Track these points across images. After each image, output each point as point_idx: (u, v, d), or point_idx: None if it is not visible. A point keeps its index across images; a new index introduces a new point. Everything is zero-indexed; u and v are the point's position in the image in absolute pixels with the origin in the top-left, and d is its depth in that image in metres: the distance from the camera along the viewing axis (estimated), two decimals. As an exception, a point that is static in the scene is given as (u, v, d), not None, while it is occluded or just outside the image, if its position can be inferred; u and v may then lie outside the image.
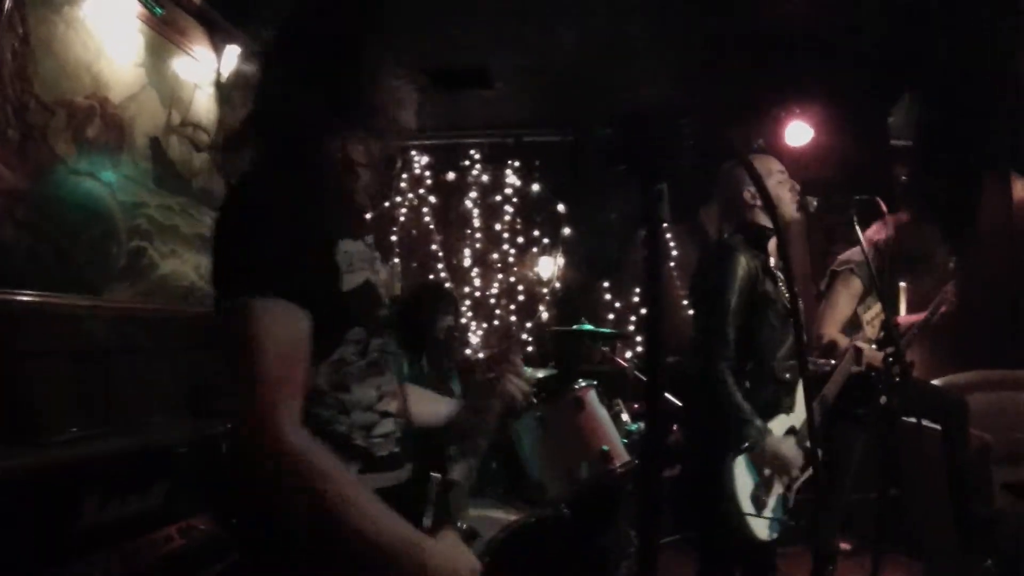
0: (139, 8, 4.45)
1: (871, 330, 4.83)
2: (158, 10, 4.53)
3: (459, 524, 1.98)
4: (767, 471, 3.41)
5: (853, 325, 4.86)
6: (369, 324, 1.80)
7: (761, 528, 3.42)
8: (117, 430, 3.74)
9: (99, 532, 3.20)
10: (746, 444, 3.35)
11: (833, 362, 4.17)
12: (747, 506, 3.37)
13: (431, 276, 7.92)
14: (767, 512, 3.45)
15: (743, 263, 3.49)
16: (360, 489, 1.65)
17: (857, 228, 3.89)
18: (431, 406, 2.36)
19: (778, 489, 3.45)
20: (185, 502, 3.74)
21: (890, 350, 4.11)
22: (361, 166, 1.92)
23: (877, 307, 4.82)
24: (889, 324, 4.35)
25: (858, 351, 4.04)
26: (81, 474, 3.20)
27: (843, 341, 4.54)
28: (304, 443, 1.59)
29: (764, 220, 3.69)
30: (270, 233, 1.64)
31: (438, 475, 1.95)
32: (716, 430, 3.44)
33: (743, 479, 3.38)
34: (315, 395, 1.70)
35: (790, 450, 3.43)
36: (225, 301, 1.65)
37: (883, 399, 4.13)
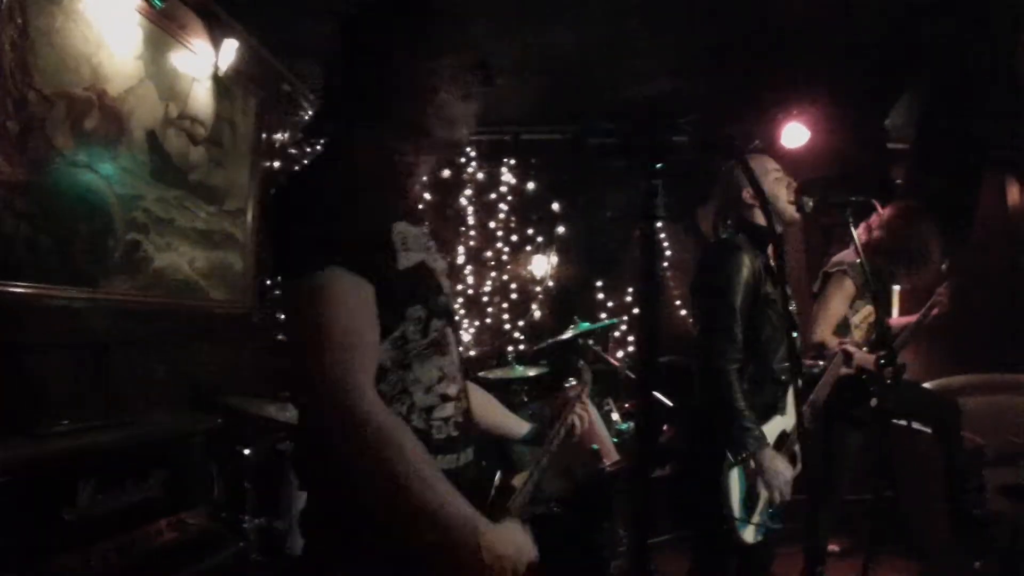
0: (139, 0, 4.44)
1: (859, 333, 4.84)
2: (158, 2, 4.53)
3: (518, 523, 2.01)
4: (754, 479, 3.42)
5: (846, 327, 4.88)
6: (428, 303, 1.87)
7: (748, 532, 3.44)
8: (112, 422, 3.74)
9: (92, 525, 3.21)
10: (743, 454, 3.36)
11: (822, 363, 4.18)
12: (737, 510, 3.39)
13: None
14: (756, 516, 3.47)
15: (747, 262, 3.50)
16: (427, 460, 1.71)
17: (852, 229, 3.91)
18: (484, 407, 2.38)
19: (766, 495, 3.46)
20: (179, 496, 3.75)
21: (882, 353, 4.13)
22: (414, 166, 2.03)
23: (866, 310, 4.82)
24: (882, 326, 4.36)
25: (847, 354, 4.04)
26: (76, 466, 3.21)
27: (832, 343, 4.55)
28: (376, 407, 1.67)
29: (763, 220, 3.70)
30: (332, 212, 1.74)
31: (500, 474, 2.01)
32: (713, 431, 3.45)
33: (735, 483, 3.40)
34: (378, 373, 1.76)
35: (781, 465, 3.43)
36: (292, 276, 1.74)
37: (874, 401, 4.15)
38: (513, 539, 1.81)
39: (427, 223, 2.01)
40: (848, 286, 4.86)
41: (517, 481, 2.16)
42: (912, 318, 5.36)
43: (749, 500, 3.44)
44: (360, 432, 1.63)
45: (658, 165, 1.45)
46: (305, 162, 1.93)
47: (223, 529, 3.97)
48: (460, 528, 1.69)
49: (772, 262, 3.68)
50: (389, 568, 1.75)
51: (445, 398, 1.90)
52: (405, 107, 1.93)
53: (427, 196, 7.80)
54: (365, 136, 1.93)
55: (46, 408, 3.70)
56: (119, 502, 3.37)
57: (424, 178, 2.11)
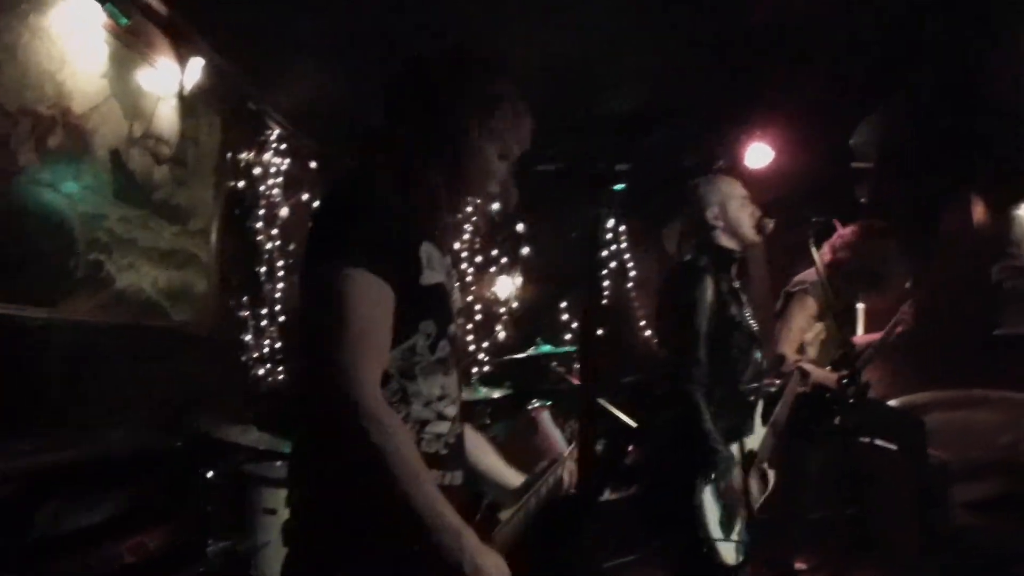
0: (105, 18, 4.41)
1: (813, 350, 4.84)
2: (124, 20, 4.50)
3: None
4: (723, 499, 3.43)
5: (800, 346, 4.90)
6: (440, 322, 1.96)
7: (729, 552, 3.46)
8: (72, 443, 3.70)
9: (51, 545, 3.18)
10: (714, 475, 3.38)
11: (778, 382, 4.20)
12: (716, 531, 3.40)
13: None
14: (735, 535, 3.48)
15: (711, 285, 3.52)
16: (422, 464, 1.77)
17: (813, 249, 3.94)
18: (496, 464, 2.44)
19: (742, 513, 3.48)
20: (140, 517, 3.72)
21: (845, 372, 4.16)
22: (450, 201, 2.13)
23: (818, 327, 4.84)
24: (846, 345, 4.39)
25: (803, 372, 4.06)
26: (35, 487, 3.17)
27: (791, 358, 4.57)
28: (378, 401, 1.74)
29: (727, 242, 3.73)
30: (369, 219, 1.87)
31: (487, 501, 2.04)
32: (683, 453, 3.46)
33: (711, 506, 3.41)
34: (383, 378, 1.83)
35: (737, 484, 3.45)
36: (321, 266, 1.85)
37: (838, 419, 4.17)
38: (495, 560, 1.85)
39: (449, 253, 2.13)
40: (810, 305, 4.90)
41: (503, 515, 2.18)
42: (876, 336, 5.40)
43: (726, 522, 3.46)
44: (361, 423, 1.69)
45: (602, 192, 1.47)
46: (355, 169, 2.03)
47: (184, 551, 3.93)
48: (447, 534, 1.74)
49: (735, 284, 3.71)
50: (386, 569, 1.80)
51: (441, 416, 1.96)
52: (449, 152, 2.05)
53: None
54: (410, 164, 2.03)
55: (5, 428, 3.65)
56: (78, 523, 3.34)
57: (459, 216, 2.25)
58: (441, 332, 1.97)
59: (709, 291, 3.52)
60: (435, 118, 2.05)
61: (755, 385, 3.67)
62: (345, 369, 1.71)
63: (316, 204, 1.97)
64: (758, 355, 3.73)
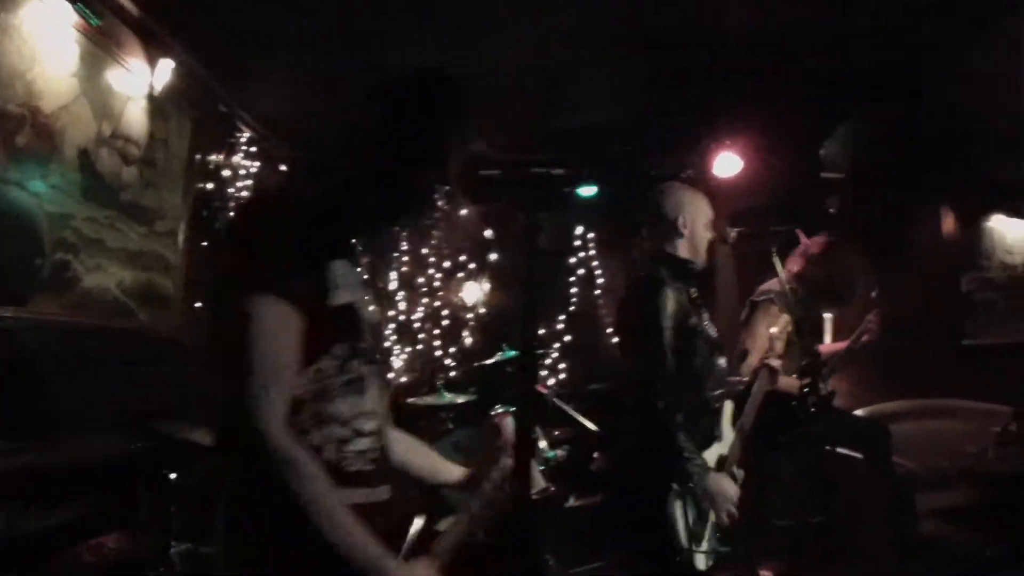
0: (76, 17, 4.39)
1: (780, 344, 4.82)
2: (95, 20, 4.48)
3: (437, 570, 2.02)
4: (705, 505, 3.46)
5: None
6: (351, 343, 1.93)
7: (700, 560, 3.48)
8: (33, 444, 3.68)
9: (10, 547, 3.16)
10: (690, 483, 3.40)
11: (744, 379, 4.21)
12: (685, 540, 3.42)
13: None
14: (704, 543, 3.51)
15: (672, 297, 3.55)
16: (334, 496, 1.77)
17: (776, 259, 3.97)
18: (430, 461, 2.40)
19: (711, 519, 3.51)
20: (100, 519, 3.70)
21: (807, 381, 4.19)
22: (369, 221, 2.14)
23: (783, 319, 4.81)
24: (810, 353, 4.42)
25: (771, 370, 4.08)
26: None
27: (754, 359, 4.58)
28: (285, 438, 1.72)
29: (686, 252, 3.76)
30: (275, 241, 1.83)
31: (423, 519, 2.01)
32: (652, 461, 3.48)
33: (679, 515, 3.43)
34: (297, 404, 1.82)
35: (728, 486, 3.50)
36: (227, 292, 1.84)
37: (805, 429, 4.20)
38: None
39: (366, 273, 2.13)
40: (775, 314, 4.93)
41: (444, 525, 2.16)
42: (842, 345, 5.45)
43: (696, 528, 3.48)
44: (270, 461, 1.69)
45: (539, 202, 1.50)
46: (262, 189, 2.03)
47: (145, 553, 3.92)
48: (366, 563, 1.76)
49: (694, 293, 3.74)
50: None
51: (359, 433, 1.93)
52: (405, 175, 2.01)
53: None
54: (332, 180, 2.03)
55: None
56: (37, 525, 3.32)
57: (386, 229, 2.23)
58: (351, 352, 1.94)
59: (670, 302, 3.55)
60: (379, 138, 2.01)
61: (719, 392, 3.70)
62: (251, 407, 1.70)
63: (229, 222, 1.93)
64: (720, 362, 3.77)
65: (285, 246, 1.83)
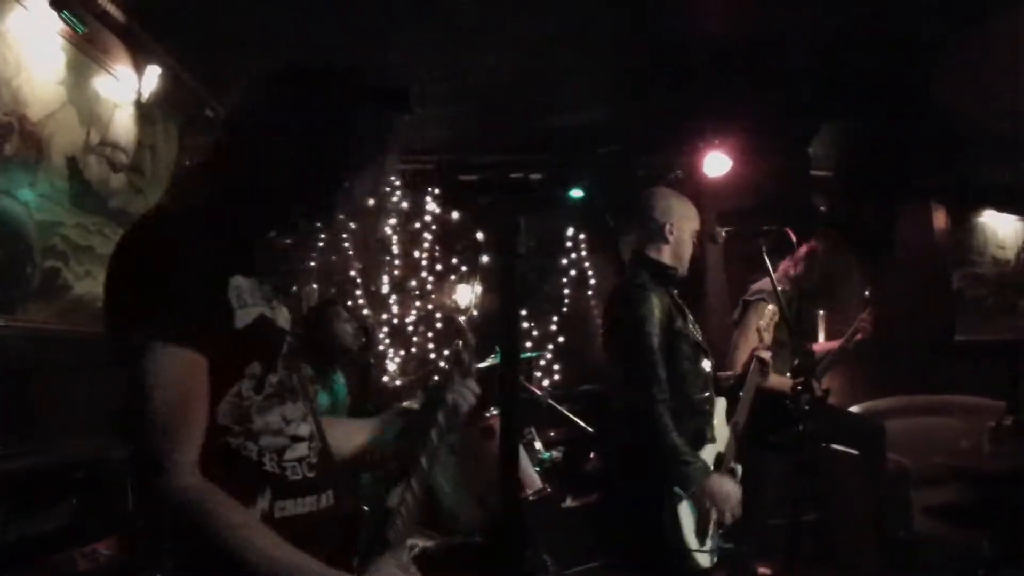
0: (61, 25, 4.39)
1: (768, 336, 4.78)
2: (80, 27, 4.49)
3: (402, 552, 1.97)
4: (708, 505, 3.47)
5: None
6: (265, 359, 1.81)
7: (704, 558, 3.50)
8: (24, 449, 3.68)
9: (4, 552, 3.16)
10: (693, 488, 3.40)
11: (732, 373, 4.20)
12: (692, 541, 3.43)
13: (349, 303, 7.86)
14: (708, 542, 3.51)
15: (655, 302, 3.56)
16: (261, 532, 1.65)
17: (766, 258, 3.97)
18: (347, 435, 2.22)
19: (714, 516, 3.51)
20: (93, 525, 3.69)
21: (800, 380, 4.18)
22: (265, 225, 1.92)
23: (771, 310, 4.74)
24: (803, 352, 4.41)
25: (761, 361, 4.08)
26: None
27: (745, 353, 4.56)
28: (199, 489, 1.61)
29: (669, 259, 3.77)
30: (160, 280, 1.65)
31: (366, 508, 1.94)
32: (648, 464, 3.48)
33: (686, 516, 3.44)
34: (219, 429, 1.71)
35: (730, 486, 3.50)
36: (117, 343, 1.68)
37: (799, 427, 4.19)
38: None
39: (269, 268, 1.91)
40: (767, 313, 4.92)
41: (393, 501, 2.08)
42: (836, 343, 5.45)
43: (701, 529, 3.49)
44: (178, 510, 1.59)
45: (518, 203, 1.50)
46: (144, 214, 1.85)
47: (139, 559, 3.91)
48: None
49: (677, 297, 3.76)
50: None
51: (296, 439, 1.84)
52: (306, 181, 1.85)
53: (350, 225, 7.73)
54: (219, 190, 1.85)
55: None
56: (29, 530, 3.31)
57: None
58: (268, 368, 1.81)
59: (656, 309, 3.55)
60: (288, 128, 1.83)
61: (706, 395, 3.71)
62: (155, 462, 1.59)
63: (112, 254, 1.76)
64: (706, 364, 3.77)
65: (177, 278, 1.66)
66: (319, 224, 1.97)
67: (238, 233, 1.83)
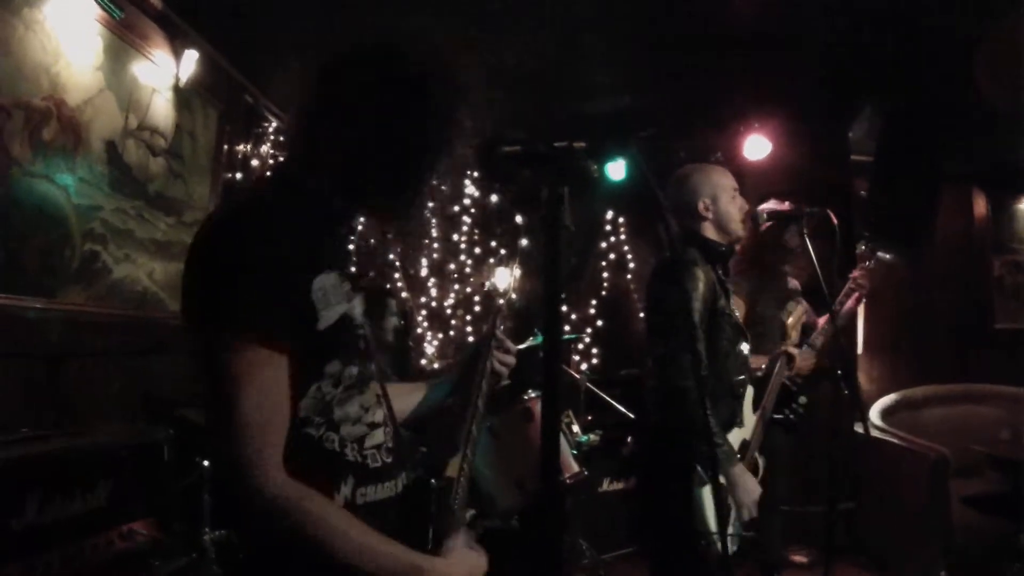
0: (98, 11, 4.43)
1: (795, 334, 4.69)
2: (117, 13, 4.52)
3: (467, 522, 2.01)
4: (726, 491, 3.45)
5: (783, 330, 4.80)
6: (345, 355, 1.81)
7: (727, 544, 3.48)
8: (62, 432, 3.73)
9: (39, 534, 3.20)
10: (717, 468, 3.38)
11: (760, 366, 4.17)
12: (714, 525, 3.41)
13: (388, 285, 7.88)
14: (730, 527, 3.49)
15: (702, 277, 3.51)
16: (351, 523, 1.67)
17: (807, 241, 3.91)
18: (399, 397, 2.23)
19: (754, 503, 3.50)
20: (130, 506, 3.74)
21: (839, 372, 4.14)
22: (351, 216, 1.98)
23: (799, 310, 4.66)
24: (839, 344, 4.36)
25: (789, 357, 4.05)
26: (24, 475, 3.19)
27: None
28: (288, 487, 1.61)
29: (713, 235, 3.72)
30: (253, 274, 1.63)
31: (433, 482, 1.97)
32: (678, 446, 3.46)
33: (708, 500, 3.42)
34: (301, 421, 1.71)
35: (752, 482, 3.48)
36: (201, 336, 1.65)
37: (803, 399, 4.14)
38: (463, 563, 1.84)
39: (349, 258, 1.96)
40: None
41: (451, 471, 2.13)
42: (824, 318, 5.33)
43: (721, 513, 3.47)
44: (272, 512, 1.59)
45: (563, 174, 1.49)
46: (228, 208, 1.83)
47: (175, 541, 3.96)
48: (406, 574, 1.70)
49: (723, 277, 3.71)
50: None
51: (373, 426, 1.86)
52: (383, 165, 1.82)
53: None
54: (307, 182, 1.84)
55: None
56: (67, 511, 3.35)
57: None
58: (347, 362, 1.81)
59: (701, 284, 3.50)
60: (364, 115, 1.80)
61: (742, 377, 3.68)
62: (242, 461, 1.58)
63: (194, 243, 1.74)
64: (744, 347, 3.74)
65: (267, 274, 1.64)
66: (399, 210, 1.98)
67: (324, 226, 1.84)
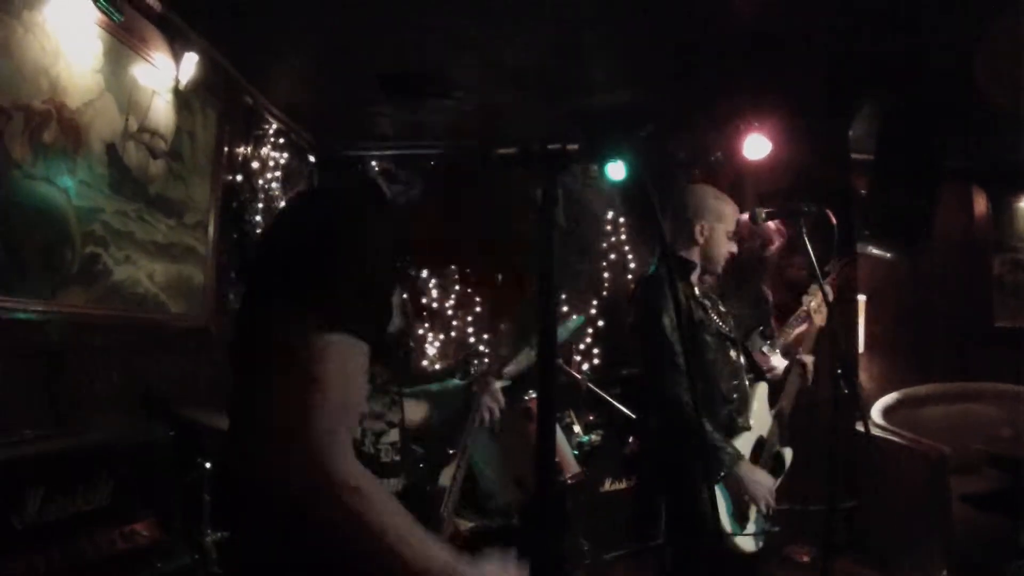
0: (98, 14, 4.44)
1: (819, 318, 4.57)
2: (117, 16, 4.53)
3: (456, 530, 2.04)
4: (737, 493, 3.47)
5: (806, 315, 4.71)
6: (383, 356, 1.83)
7: (746, 542, 3.51)
8: (63, 431, 3.74)
9: (40, 533, 3.20)
10: (722, 472, 3.41)
11: (776, 374, 4.18)
12: (730, 526, 3.44)
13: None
14: (750, 525, 3.51)
15: (670, 296, 3.57)
16: (406, 517, 1.63)
17: (806, 240, 3.92)
18: (414, 409, 2.38)
19: (765, 503, 3.52)
20: (131, 506, 3.74)
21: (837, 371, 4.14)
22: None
23: (820, 295, 4.56)
24: (848, 352, 4.36)
25: (802, 364, 4.06)
26: (24, 474, 3.20)
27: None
28: (359, 473, 1.58)
29: (697, 259, 3.79)
30: (356, 266, 1.65)
31: (429, 487, 2.01)
32: (681, 451, 3.50)
33: (722, 499, 3.44)
34: None
35: (761, 475, 3.50)
36: (292, 324, 1.60)
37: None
38: (499, 569, 1.80)
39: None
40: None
41: (445, 480, 2.17)
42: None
43: (740, 513, 3.49)
44: (344, 496, 1.52)
45: (556, 173, 1.50)
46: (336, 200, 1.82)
47: (176, 541, 3.96)
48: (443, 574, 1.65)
49: (696, 289, 3.76)
50: None
51: (391, 424, 1.92)
52: None
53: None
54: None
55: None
56: (68, 511, 3.36)
57: None
58: (384, 364, 1.87)
59: (671, 301, 3.56)
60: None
61: (735, 383, 3.72)
62: (325, 446, 1.52)
63: (277, 226, 1.81)
64: (734, 354, 3.78)
65: (366, 272, 1.66)
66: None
67: (401, 229, 1.86)
